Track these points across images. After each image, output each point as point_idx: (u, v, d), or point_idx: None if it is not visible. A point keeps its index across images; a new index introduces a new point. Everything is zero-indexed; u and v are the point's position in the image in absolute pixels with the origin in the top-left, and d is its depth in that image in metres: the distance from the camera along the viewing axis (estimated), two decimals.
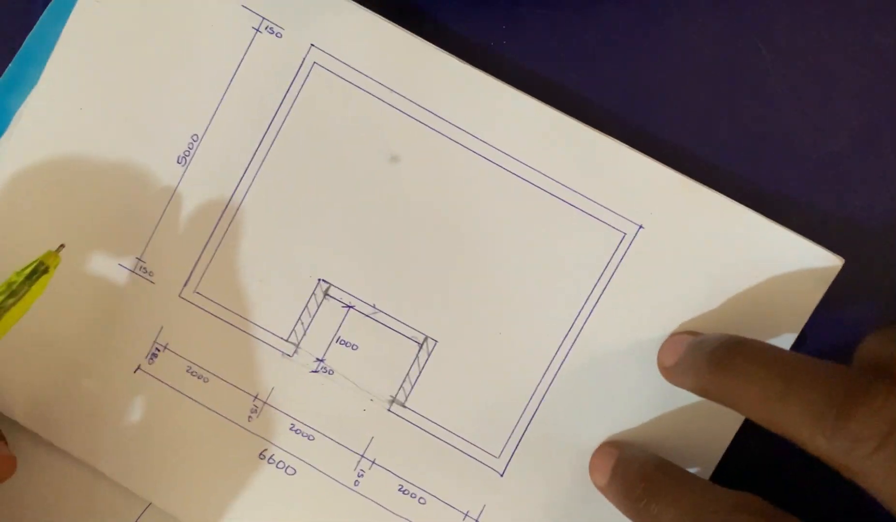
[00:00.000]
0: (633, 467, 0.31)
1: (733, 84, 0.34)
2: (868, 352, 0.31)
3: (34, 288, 0.31)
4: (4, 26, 0.35)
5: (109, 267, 0.34)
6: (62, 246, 0.32)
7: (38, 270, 0.31)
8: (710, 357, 0.29)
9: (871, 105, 0.34)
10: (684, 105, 0.34)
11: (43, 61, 0.34)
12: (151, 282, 0.34)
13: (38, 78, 0.34)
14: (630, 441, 0.33)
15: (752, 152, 0.34)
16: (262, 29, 0.33)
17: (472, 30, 0.35)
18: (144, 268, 0.34)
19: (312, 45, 0.33)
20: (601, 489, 0.32)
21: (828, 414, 0.26)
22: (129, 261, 0.34)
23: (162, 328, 0.34)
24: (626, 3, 0.35)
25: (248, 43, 0.33)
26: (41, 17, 0.34)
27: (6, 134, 0.34)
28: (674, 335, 0.32)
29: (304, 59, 0.33)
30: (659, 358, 0.32)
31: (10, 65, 0.35)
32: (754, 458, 0.31)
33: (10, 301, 0.30)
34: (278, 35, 0.33)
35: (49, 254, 0.31)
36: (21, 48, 0.34)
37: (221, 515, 0.34)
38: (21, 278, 0.31)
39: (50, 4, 0.34)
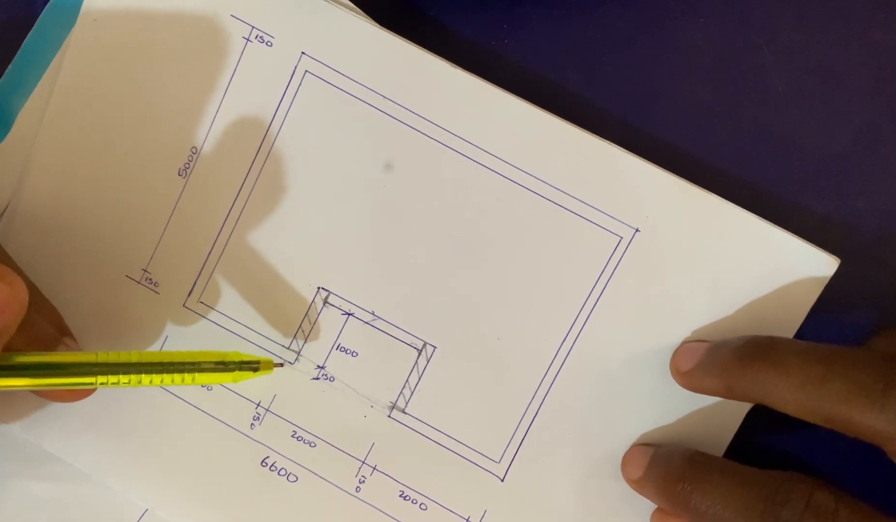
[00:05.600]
0: (673, 459, 0.31)
1: (733, 84, 0.34)
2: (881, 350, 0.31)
3: (234, 374, 0.32)
4: (4, 26, 0.36)
5: (116, 278, 0.35)
6: (281, 364, 0.34)
7: (251, 365, 0.32)
8: (739, 353, 0.30)
9: (871, 105, 0.33)
10: (684, 105, 0.34)
11: (43, 61, 0.35)
12: (157, 293, 0.35)
13: (38, 78, 0.35)
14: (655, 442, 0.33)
15: (752, 153, 0.34)
16: (252, 38, 0.33)
17: (472, 30, 0.35)
18: (150, 279, 0.35)
19: (303, 53, 0.33)
20: (634, 482, 0.32)
21: (875, 387, 0.27)
22: (135, 273, 0.35)
23: (167, 337, 0.35)
24: (626, 3, 0.34)
25: (240, 53, 0.33)
26: (40, 17, 0.35)
27: (9, 135, 0.35)
28: (686, 342, 0.32)
29: (295, 67, 0.33)
30: (675, 364, 0.32)
31: (9, 66, 0.35)
32: (753, 458, 0.31)
33: (213, 369, 0.32)
34: (269, 44, 0.33)
35: (268, 361, 0.33)
36: (20, 49, 0.35)
37: None
38: (237, 359, 0.32)
39: (49, 4, 0.35)
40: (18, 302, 0.28)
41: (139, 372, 0.31)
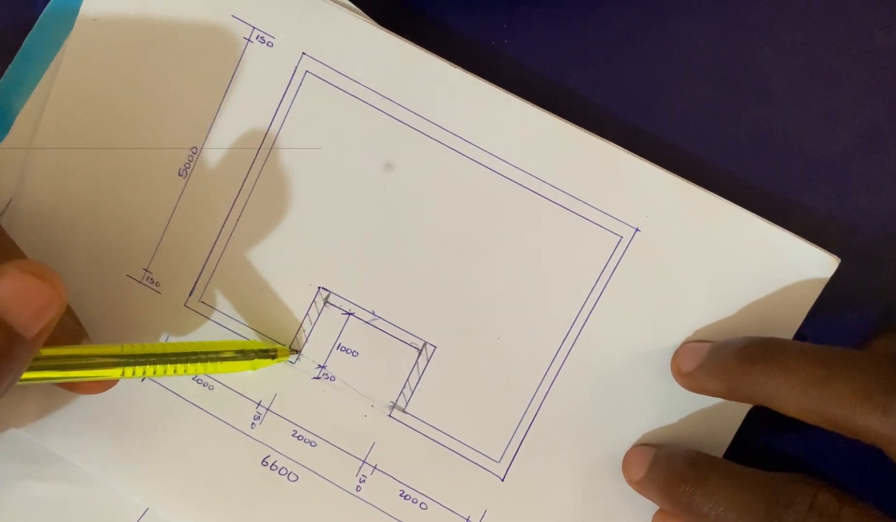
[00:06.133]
0: (675, 460, 0.31)
1: (733, 84, 0.34)
2: (881, 352, 0.31)
3: (253, 362, 0.33)
4: (4, 26, 0.36)
5: (117, 277, 0.35)
6: (298, 351, 0.34)
7: (269, 353, 0.33)
8: (742, 354, 0.30)
9: (871, 105, 0.33)
10: (684, 105, 0.34)
11: (43, 62, 0.35)
12: (158, 293, 0.35)
13: (39, 79, 0.35)
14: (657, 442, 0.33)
15: (752, 152, 0.34)
16: (253, 39, 0.33)
17: (472, 29, 0.35)
18: (151, 279, 0.35)
19: (304, 53, 0.33)
20: (636, 483, 0.32)
21: (877, 390, 0.27)
22: (136, 272, 0.35)
23: (168, 337, 0.35)
24: (625, 2, 0.34)
25: (241, 53, 0.33)
26: (40, 18, 0.35)
27: (9, 135, 0.35)
28: (687, 342, 0.32)
29: (295, 67, 0.33)
30: (676, 365, 0.32)
31: (10, 66, 0.35)
32: (754, 459, 0.31)
33: (233, 357, 0.33)
34: (269, 44, 0.33)
35: (284, 348, 0.34)
36: (20, 49, 0.35)
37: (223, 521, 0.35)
38: (255, 347, 0.33)
39: (49, 4, 0.35)
40: (60, 300, 0.28)
41: (164, 363, 0.31)
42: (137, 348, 0.31)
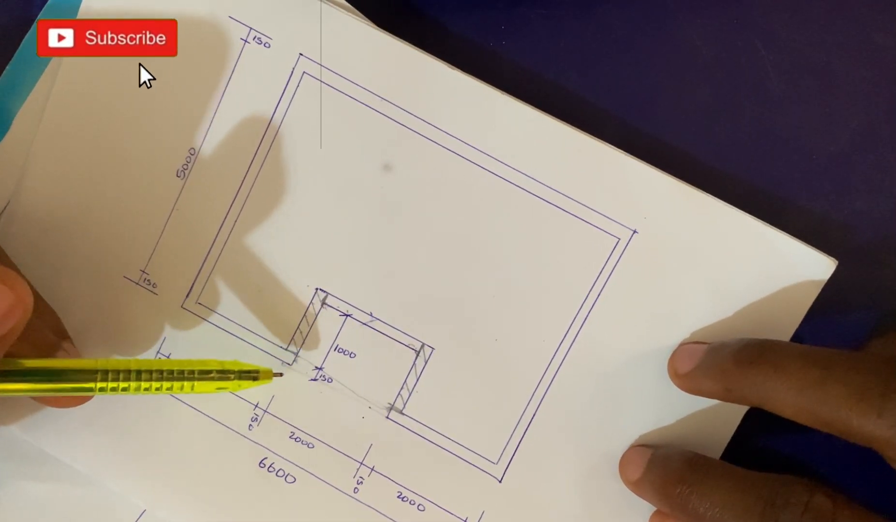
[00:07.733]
0: (671, 461, 0.31)
1: (733, 84, 0.34)
2: (878, 353, 0.31)
3: (234, 383, 0.32)
4: (2, 26, 0.35)
5: (114, 278, 0.35)
6: (281, 374, 0.33)
7: (251, 375, 0.32)
8: (738, 355, 0.30)
9: (871, 105, 0.33)
10: (683, 106, 0.34)
11: (41, 62, 0.35)
12: (155, 294, 0.35)
13: (36, 79, 0.35)
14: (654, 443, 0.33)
15: (751, 153, 0.34)
16: (250, 39, 0.33)
17: (471, 30, 0.35)
18: (148, 280, 0.35)
19: (301, 54, 0.33)
20: (632, 484, 0.32)
21: (873, 391, 0.27)
22: (133, 273, 0.35)
23: (165, 338, 0.35)
24: (625, 3, 0.34)
25: (238, 54, 0.33)
26: (38, 17, 0.34)
27: (7, 136, 0.35)
28: (684, 344, 0.32)
29: (293, 69, 0.33)
30: (673, 366, 0.32)
31: (7, 66, 0.35)
32: (750, 460, 0.31)
33: (213, 377, 0.31)
34: (267, 45, 0.33)
35: (268, 370, 0.33)
36: (18, 49, 0.35)
37: None
38: (236, 368, 0.32)
39: (47, 4, 0.34)
40: (23, 306, 0.27)
41: (139, 380, 0.30)
42: (112, 363, 0.30)
